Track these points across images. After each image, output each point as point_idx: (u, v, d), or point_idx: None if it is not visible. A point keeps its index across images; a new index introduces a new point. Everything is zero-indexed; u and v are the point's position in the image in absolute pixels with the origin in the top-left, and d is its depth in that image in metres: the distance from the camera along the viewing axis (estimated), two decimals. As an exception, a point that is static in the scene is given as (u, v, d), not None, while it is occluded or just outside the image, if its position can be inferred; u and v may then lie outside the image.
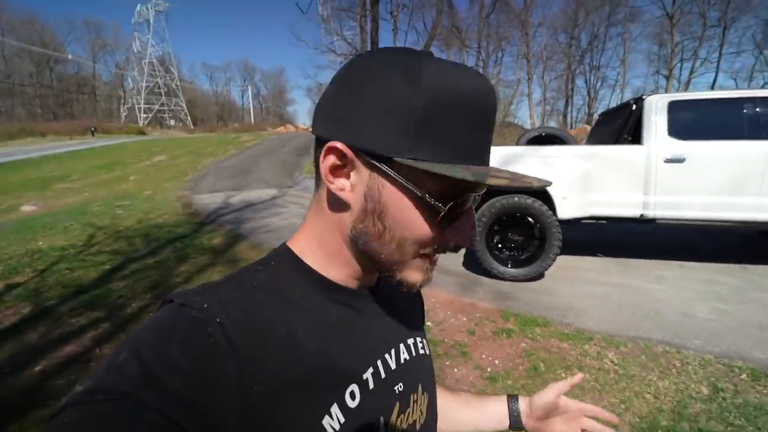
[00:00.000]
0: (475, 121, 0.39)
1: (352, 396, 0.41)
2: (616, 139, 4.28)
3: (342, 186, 0.41)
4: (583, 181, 3.91)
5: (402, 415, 0.46)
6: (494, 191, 3.93)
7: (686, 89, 24.06)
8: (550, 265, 3.74)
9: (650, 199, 3.85)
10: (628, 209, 3.92)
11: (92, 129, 34.39)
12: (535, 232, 3.82)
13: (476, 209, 3.95)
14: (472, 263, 4.18)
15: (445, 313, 3.18)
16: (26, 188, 11.01)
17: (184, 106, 54.22)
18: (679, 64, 30.87)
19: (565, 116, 35.36)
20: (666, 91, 4.43)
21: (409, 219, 0.40)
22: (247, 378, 0.34)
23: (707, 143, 3.74)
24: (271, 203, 8.69)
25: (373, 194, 0.40)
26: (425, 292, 2.86)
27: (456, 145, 0.38)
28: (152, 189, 10.34)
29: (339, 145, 0.40)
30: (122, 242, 5.50)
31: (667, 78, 30.30)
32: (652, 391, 2.18)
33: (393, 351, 0.49)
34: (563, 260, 4.38)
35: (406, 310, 0.56)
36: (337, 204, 0.43)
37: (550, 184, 0.42)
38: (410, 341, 0.53)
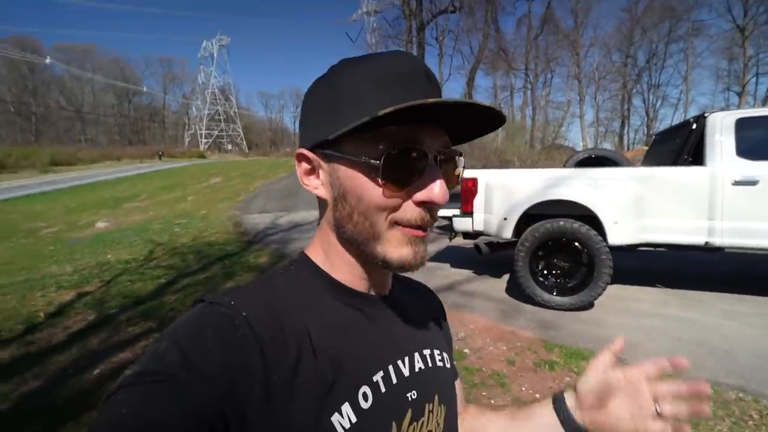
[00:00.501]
0: (389, 83, 0.42)
1: (365, 397, 0.42)
2: (675, 160, 4.01)
3: (315, 185, 0.48)
4: (636, 204, 3.67)
5: (415, 423, 0.46)
6: (537, 215, 3.79)
7: (763, 105, 22.08)
8: (599, 294, 3.50)
9: (716, 225, 3.53)
10: (690, 236, 3.61)
11: (159, 153, 37.57)
12: (583, 259, 3.60)
13: (519, 235, 3.83)
14: (515, 289, 4.01)
15: (483, 340, 3.05)
16: (101, 206, 12.12)
17: (241, 131, 57.94)
18: (754, 79, 28.55)
19: (621, 137, 33.59)
20: (738, 108, 4.07)
21: (361, 187, 0.43)
22: (269, 367, 0.38)
23: None
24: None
25: (334, 181, 0.45)
26: (464, 317, 2.77)
27: (371, 106, 0.40)
28: (207, 209, 11.00)
29: (302, 150, 0.47)
30: (177, 258, 5.86)
31: (740, 95, 28.09)
32: (719, 441, 1.94)
33: (407, 359, 0.49)
34: (614, 289, 4.09)
35: (423, 321, 0.57)
36: (322, 204, 0.49)
37: (503, 117, 0.44)
38: (426, 352, 0.53)
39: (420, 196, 0.43)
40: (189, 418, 0.32)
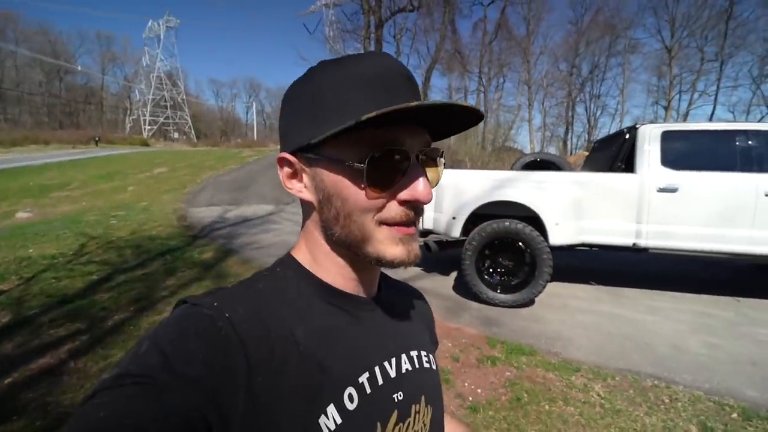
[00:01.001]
0: (371, 86, 0.42)
1: (351, 398, 0.42)
2: (610, 167, 4.30)
3: (299, 188, 0.48)
4: (575, 207, 3.90)
5: (401, 424, 0.46)
6: (484, 215, 3.93)
7: (684, 120, 24.34)
8: (540, 292, 3.69)
9: (642, 228, 3.84)
10: (621, 237, 3.90)
11: (96, 139, 34.72)
12: (526, 258, 3.78)
13: (467, 234, 3.95)
14: (462, 287, 4.13)
15: (430, 337, 3.11)
16: (24, 195, 11.02)
17: (189, 119, 54.88)
18: (677, 96, 31.34)
19: (565, 143, 35.68)
20: (664, 122, 4.45)
21: (345, 190, 0.44)
22: (253, 369, 0.37)
23: (700, 174, 3.75)
24: (266, 219, 8.68)
25: (318, 184, 0.46)
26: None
27: (354, 110, 0.40)
28: (150, 200, 10.34)
29: (284, 155, 0.47)
30: (113, 253, 5.46)
31: (666, 108, 30.72)
32: (639, 427, 2.11)
33: (393, 360, 0.49)
34: (554, 287, 4.33)
35: (411, 323, 0.57)
36: (307, 207, 0.49)
37: (482, 114, 0.44)
38: (413, 353, 0.53)
39: (404, 195, 0.44)
40: (170, 422, 0.32)
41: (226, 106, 67.27)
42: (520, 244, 3.77)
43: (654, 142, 3.90)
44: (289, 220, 8.69)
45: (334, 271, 0.48)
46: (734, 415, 2.24)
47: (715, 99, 29.50)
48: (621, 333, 3.27)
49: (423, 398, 0.50)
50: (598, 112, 37.13)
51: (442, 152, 0.50)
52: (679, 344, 3.08)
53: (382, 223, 0.44)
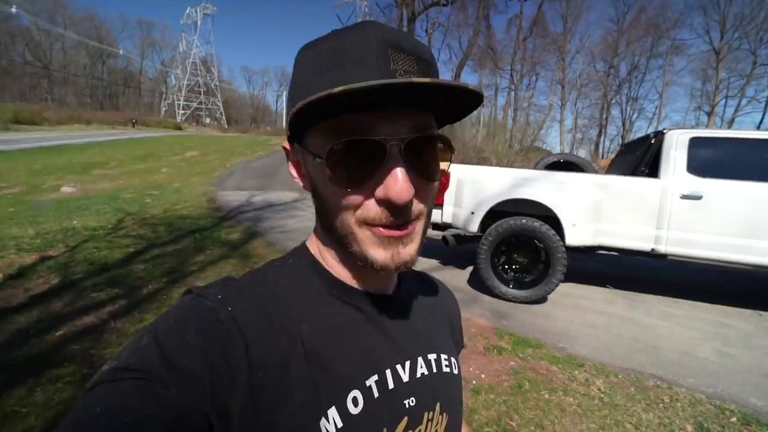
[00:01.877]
0: (338, 62, 0.37)
1: (355, 402, 0.40)
2: (633, 171, 4.30)
3: (297, 177, 0.47)
4: (594, 209, 3.93)
5: (411, 431, 0.43)
6: (503, 212, 4.02)
7: (729, 127, 23.25)
8: (552, 290, 3.76)
9: (663, 234, 3.83)
10: (639, 242, 3.90)
11: (133, 121, 36.21)
12: (541, 256, 3.85)
13: (485, 230, 4.05)
14: (476, 281, 4.24)
15: (440, 324, 3.25)
16: (68, 171, 11.71)
17: (221, 105, 56.34)
18: (723, 101, 29.94)
19: (597, 145, 34.75)
20: (707, 128, 4.33)
21: (321, 185, 0.42)
22: (254, 364, 0.36)
23: (727, 182, 3.71)
24: (290, 205, 8.96)
25: (309, 174, 0.44)
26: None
27: (315, 92, 0.34)
28: (181, 182, 10.82)
29: (284, 143, 0.47)
30: (147, 229, 5.82)
31: (709, 115, 29.44)
32: (634, 421, 2.20)
33: (408, 363, 0.46)
34: (569, 288, 4.38)
35: (432, 323, 0.54)
36: (311, 196, 0.45)
37: (479, 93, 0.38)
38: (431, 356, 0.49)
39: (378, 193, 0.39)
40: (166, 417, 0.31)
41: (257, 94, 68.65)
42: (536, 242, 3.85)
43: (681, 148, 3.87)
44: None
45: (339, 266, 0.46)
46: (733, 419, 2.28)
47: (766, 105, 27.99)
48: (630, 335, 3.31)
49: (438, 405, 0.47)
50: (635, 116, 35.93)
51: (443, 137, 0.42)
52: (689, 350, 3.10)
53: (365, 222, 0.40)
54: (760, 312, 4.09)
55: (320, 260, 0.47)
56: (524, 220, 3.84)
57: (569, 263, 3.80)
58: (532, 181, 4.12)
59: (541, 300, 3.88)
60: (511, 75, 28.45)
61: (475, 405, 2.25)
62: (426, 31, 21.36)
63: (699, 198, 3.74)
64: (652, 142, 4.16)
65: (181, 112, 53.25)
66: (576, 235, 3.90)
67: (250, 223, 6.80)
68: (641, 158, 4.27)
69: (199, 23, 55.68)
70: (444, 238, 4.49)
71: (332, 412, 0.38)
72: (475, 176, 4.31)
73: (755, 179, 3.66)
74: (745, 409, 2.37)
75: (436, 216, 4.46)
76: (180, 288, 3.72)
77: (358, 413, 0.40)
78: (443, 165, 0.43)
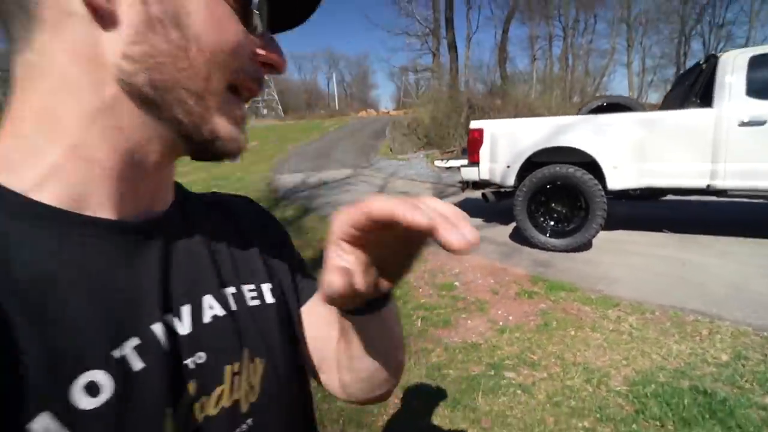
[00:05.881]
0: None
1: (92, 389, 0.26)
2: (682, 103, 3.94)
3: None
4: (637, 149, 3.69)
5: (205, 399, 0.32)
6: (540, 164, 3.92)
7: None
8: (593, 236, 3.66)
9: (720, 168, 3.51)
10: (692, 179, 3.62)
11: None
12: (581, 203, 3.74)
13: (519, 182, 4.00)
14: (518, 234, 4.22)
15: (474, 275, 3.35)
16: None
17: (276, 96, 58.46)
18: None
19: (635, 100, 30.82)
20: None
21: (218, 15, 0.30)
22: None
23: None
24: (343, 182, 9.29)
25: None
26: (462, 257, 3.06)
27: None
28: (243, 171, 11.65)
29: None
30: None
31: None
32: (663, 352, 2.17)
33: (187, 308, 0.34)
34: (619, 234, 4.21)
35: (230, 248, 0.41)
36: (86, 32, 0.27)
37: None
38: (229, 291, 0.38)
39: (267, 54, 0.34)
40: None
41: (308, 80, 70.11)
42: (575, 189, 3.73)
43: (738, 71, 3.48)
44: (366, 182, 9.21)
45: (82, 178, 0.29)
46: (782, 348, 2.16)
47: None
48: (675, 273, 3.16)
49: (246, 352, 0.36)
50: (720, 45, 31.25)
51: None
52: (740, 285, 2.91)
53: (233, 84, 0.32)
54: None
55: (22, 180, 0.28)
56: (558, 168, 3.73)
57: (623, 210, 3.64)
58: (567, 127, 3.95)
59: (584, 247, 3.78)
60: (565, 20, 26.09)
61: (499, 342, 2.36)
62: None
63: (762, 123, 3.36)
64: (703, 68, 3.77)
65: (241, 106, 55.99)
66: (618, 178, 3.72)
67: (304, 201, 7.21)
68: (691, 88, 3.89)
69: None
70: (483, 195, 4.50)
71: (43, 419, 0.23)
72: (509, 129, 4.23)
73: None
74: (798, 340, 2.23)
75: (473, 174, 4.46)
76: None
77: (102, 403, 0.26)
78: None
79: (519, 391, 1.93)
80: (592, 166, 3.73)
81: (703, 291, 2.85)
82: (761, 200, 3.83)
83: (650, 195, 4.32)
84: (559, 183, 3.80)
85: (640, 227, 4.47)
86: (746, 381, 1.92)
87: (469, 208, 6.05)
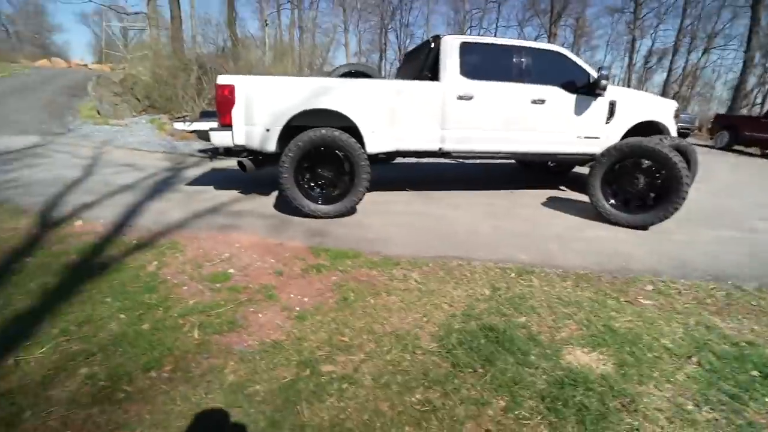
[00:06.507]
0: None
1: None
2: (417, 76, 4.44)
3: None
4: (390, 115, 3.93)
5: None
6: (300, 128, 3.65)
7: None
8: (360, 199, 3.72)
9: (447, 134, 4.15)
10: (429, 143, 4.15)
11: None
12: (345, 168, 3.71)
13: (282, 149, 3.64)
14: (284, 204, 3.88)
15: (250, 257, 2.81)
16: None
17: None
18: (469, 29, 35.49)
19: (379, 69, 37.04)
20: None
21: None
22: None
23: (490, 84, 4.18)
24: (27, 153, 6.55)
25: None
26: (229, 237, 2.46)
27: None
28: None
29: None
30: None
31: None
32: (448, 300, 2.34)
33: None
34: (375, 196, 4.48)
35: None
36: None
37: None
38: None
39: None
40: None
41: (-73, 1, 45.62)
42: (338, 153, 3.66)
43: (453, 53, 4.13)
44: (65, 153, 6.76)
45: None
46: (512, 275, 2.70)
47: (495, 35, 34.57)
48: (431, 227, 3.59)
49: None
50: (408, 41, 39.26)
51: None
52: (474, 230, 3.56)
53: None
54: (511, 191, 5.08)
55: None
56: (324, 131, 3.56)
57: (372, 174, 3.77)
58: (327, 89, 3.79)
59: (351, 211, 3.82)
60: (292, -9, 26.49)
61: (303, 332, 1.99)
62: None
63: (471, 98, 4.13)
64: (432, 46, 4.33)
65: None
66: (376, 143, 3.88)
67: (-56, 182, 4.56)
68: (424, 63, 4.43)
69: None
70: (239, 163, 3.88)
71: None
72: (266, 88, 3.72)
73: (510, 80, 4.24)
74: (518, 265, 2.85)
75: (226, 138, 3.75)
76: None
77: None
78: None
79: (345, 385, 1.63)
80: (351, 130, 3.74)
81: (453, 239, 3.31)
82: (473, 160, 4.89)
83: (387, 158, 4.76)
84: (322, 148, 3.65)
85: (389, 188, 4.95)
86: (506, 308, 2.27)
87: (219, 179, 5.27)
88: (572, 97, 4.35)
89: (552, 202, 4.56)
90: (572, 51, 4.94)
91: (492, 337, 1.98)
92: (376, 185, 4.74)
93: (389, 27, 36.97)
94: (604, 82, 4.23)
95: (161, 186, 4.77)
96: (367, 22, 35.44)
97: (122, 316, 2.07)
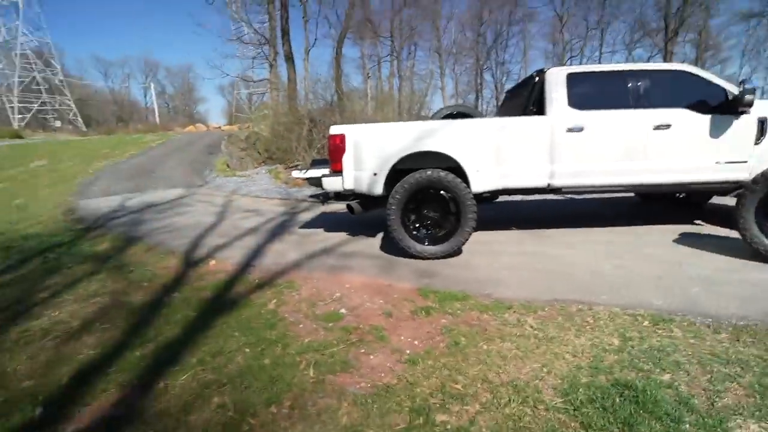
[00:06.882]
0: None
1: None
2: (523, 111, 4.34)
3: None
4: (495, 153, 3.87)
5: None
6: (405, 171, 3.79)
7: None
8: (466, 240, 3.67)
9: (556, 168, 3.93)
10: (537, 179, 3.96)
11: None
12: (451, 208, 3.72)
13: (389, 192, 3.79)
14: (390, 245, 3.99)
15: (360, 297, 2.92)
16: None
17: (73, 105, 47.60)
18: (569, 61, 34.02)
19: (476, 108, 37.21)
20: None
21: None
22: None
23: (603, 112, 3.91)
24: (176, 203, 7.88)
25: None
26: (341, 278, 2.62)
27: None
28: (26, 197, 8.78)
29: None
30: (-30, 258, 4.46)
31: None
32: (570, 350, 2.12)
33: None
34: (480, 236, 4.37)
35: None
36: None
37: None
38: None
39: None
40: None
41: (118, 89, 59.56)
42: (444, 193, 3.69)
43: (560, 85, 3.97)
44: (205, 202, 7.98)
45: None
46: (645, 323, 2.37)
47: (599, 61, 32.51)
48: (545, 268, 3.35)
49: None
50: (504, 78, 39.04)
51: None
52: (594, 270, 3.24)
53: None
54: (634, 228, 4.53)
55: None
56: (429, 172, 3.64)
57: (478, 213, 3.71)
58: (431, 132, 3.92)
59: (457, 252, 3.77)
60: (392, 43, 28.63)
61: (415, 377, 1.97)
62: (300, 1, 20.26)
63: (581, 130, 3.89)
64: (536, 80, 4.23)
65: (18, 116, 43.39)
66: (481, 181, 3.83)
67: (124, 228, 5.69)
68: (528, 98, 4.33)
69: (21, 4, 45.36)
70: (349, 206, 4.14)
71: None
72: (373, 135, 3.99)
73: (626, 107, 3.92)
74: (651, 311, 2.48)
75: (337, 184, 4.06)
76: (21, 324, 2.81)
77: None
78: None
79: (461, 439, 1.56)
80: (456, 170, 3.77)
81: (571, 281, 3.05)
82: (585, 195, 4.54)
83: (492, 197, 4.62)
84: (428, 189, 3.72)
85: (493, 227, 4.80)
86: (643, 362, 1.98)
87: (329, 222, 5.66)
88: (705, 118, 3.82)
89: (688, 239, 3.94)
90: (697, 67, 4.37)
91: (629, 396, 1.72)
92: (482, 225, 4.62)
93: (485, 67, 37.30)
94: (749, 97, 3.64)
95: (279, 229, 5.30)
96: (462, 65, 36.28)
97: (247, 350, 2.29)
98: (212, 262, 3.97)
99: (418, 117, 17.81)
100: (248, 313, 2.77)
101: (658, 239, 4.03)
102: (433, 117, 5.58)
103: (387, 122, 14.39)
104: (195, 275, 3.62)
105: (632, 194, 5.90)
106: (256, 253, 4.21)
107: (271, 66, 17.82)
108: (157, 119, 46.86)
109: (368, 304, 2.81)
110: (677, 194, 5.40)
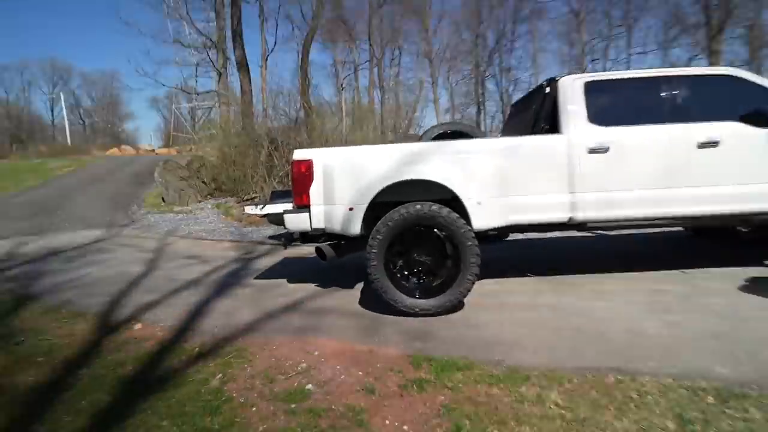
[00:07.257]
0: None
1: None
2: (533, 129, 4.49)
3: None
4: (500, 181, 3.92)
5: None
6: (389, 204, 3.80)
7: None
8: (469, 290, 3.66)
9: (578, 198, 4.00)
10: (555, 213, 4.01)
11: None
12: (447, 250, 3.73)
13: (369, 231, 3.80)
14: (372, 299, 3.95)
15: (332, 368, 2.84)
16: None
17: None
18: (590, 65, 35.78)
19: (478, 125, 38.43)
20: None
21: None
22: None
23: (633, 128, 4.06)
24: (90, 249, 7.81)
25: None
26: (307, 344, 2.54)
27: None
28: None
29: None
30: None
31: (581, 79, 34.93)
32: (609, 435, 2.08)
33: None
34: (486, 285, 4.38)
35: None
36: None
37: None
38: None
39: None
40: None
41: (14, 99, 59.22)
42: (438, 232, 3.71)
43: (578, 97, 4.13)
44: (130, 246, 7.87)
45: None
46: (710, 398, 2.34)
47: (628, 68, 34.28)
48: (570, 326, 3.35)
49: None
50: (511, 87, 40.67)
51: None
52: (634, 328, 3.24)
53: None
54: (683, 270, 4.61)
55: None
56: (419, 206, 3.67)
57: (483, 256, 3.72)
58: (420, 155, 3.99)
59: (458, 306, 3.75)
60: (371, 48, 29.64)
61: (404, 477, 1.88)
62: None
63: (606, 150, 4.01)
64: (547, 91, 4.40)
65: None
66: (484, 216, 3.85)
67: (13, 284, 5.53)
68: (538, 113, 4.49)
69: None
70: (318, 250, 4.12)
71: None
72: (348, 160, 4.04)
73: (661, 120, 4.09)
74: (716, 383, 2.47)
75: (303, 222, 4.04)
76: None
77: None
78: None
79: None
80: (452, 203, 3.80)
81: (605, 342, 3.03)
82: (616, 231, 4.63)
83: (499, 235, 4.67)
84: (418, 227, 3.74)
85: (503, 273, 4.81)
86: (707, 453, 1.94)
87: (294, 271, 5.61)
88: (763, 132, 4.01)
89: (758, 286, 4.00)
90: (751, 70, 4.64)
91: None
92: (488, 270, 4.64)
93: (486, 74, 38.86)
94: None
95: (228, 280, 5.22)
96: (459, 73, 37.70)
97: (182, 445, 2.17)
98: (137, 326, 3.87)
99: (406, 137, 18.22)
100: (183, 393, 2.66)
101: (718, 286, 4.09)
102: (424, 137, 5.71)
103: (366, 144, 14.60)
104: (112, 345, 3.51)
105: (682, 229, 6.04)
106: (197, 313, 4.12)
107: (219, 75, 18.20)
108: (68, 139, 46.66)
109: (343, 377, 2.74)
110: (740, 228, 5.56)
